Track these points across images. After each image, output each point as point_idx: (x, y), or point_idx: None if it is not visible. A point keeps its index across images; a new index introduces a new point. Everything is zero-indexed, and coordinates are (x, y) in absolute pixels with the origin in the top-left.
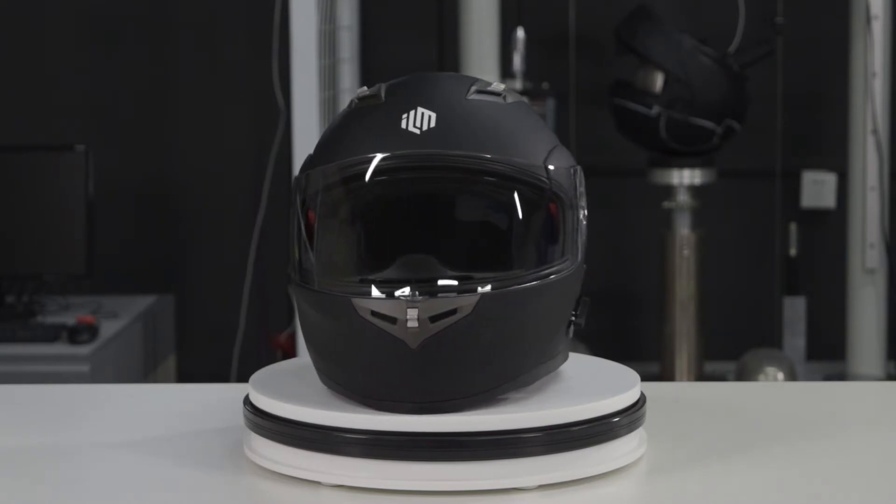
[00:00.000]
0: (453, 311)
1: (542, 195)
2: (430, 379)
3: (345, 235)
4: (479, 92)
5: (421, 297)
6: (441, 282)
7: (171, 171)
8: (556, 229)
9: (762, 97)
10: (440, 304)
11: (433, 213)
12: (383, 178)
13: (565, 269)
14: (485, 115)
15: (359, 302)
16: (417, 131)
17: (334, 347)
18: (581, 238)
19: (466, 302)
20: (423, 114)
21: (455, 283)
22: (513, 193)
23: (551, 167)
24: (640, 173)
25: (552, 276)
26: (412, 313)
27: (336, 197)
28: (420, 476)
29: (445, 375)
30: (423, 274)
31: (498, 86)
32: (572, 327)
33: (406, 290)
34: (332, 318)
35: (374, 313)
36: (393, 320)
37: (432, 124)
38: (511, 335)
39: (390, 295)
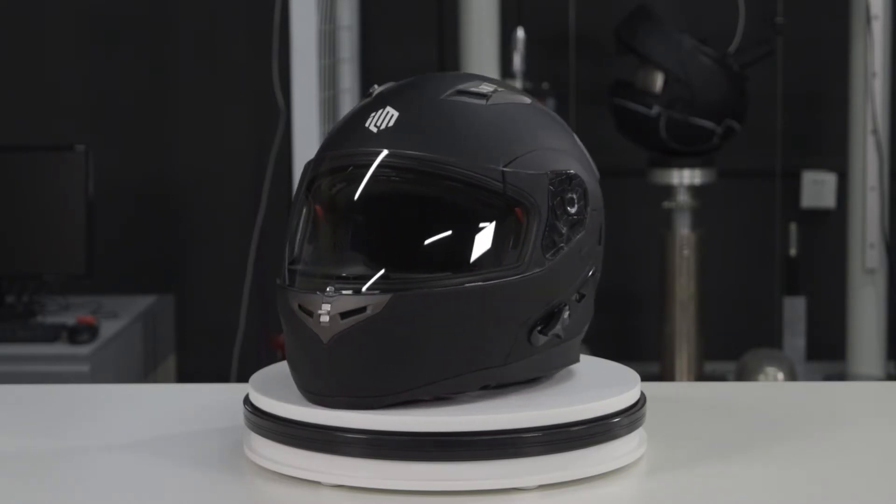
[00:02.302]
0: (363, 309)
1: (481, 198)
2: (340, 374)
3: (293, 231)
4: (459, 93)
5: (335, 294)
6: (358, 280)
7: (171, 172)
8: (499, 235)
9: (762, 97)
10: (350, 302)
11: (362, 211)
12: (326, 177)
13: (507, 276)
14: (450, 115)
15: (290, 294)
16: (375, 130)
17: (287, 341)
18: (562, 245)
19: (376, 301)
20: (387, 113)
21: (368, 281)
22: (441, 194)
23: (511, 171)
24: (641, 173)
25: (484, 282)
26: (325, 308)
27: (295, 194)
28: (420, 476)
29: (356, 371)
30: (347, 271)
31: (486, 87)
32: (539, 336)
33: (326, 286)
34: (280, 310)
35: (299, 306)
36: (311, 314)
37: (390, 124)
38: (432, 337)
39: (312, 289)
